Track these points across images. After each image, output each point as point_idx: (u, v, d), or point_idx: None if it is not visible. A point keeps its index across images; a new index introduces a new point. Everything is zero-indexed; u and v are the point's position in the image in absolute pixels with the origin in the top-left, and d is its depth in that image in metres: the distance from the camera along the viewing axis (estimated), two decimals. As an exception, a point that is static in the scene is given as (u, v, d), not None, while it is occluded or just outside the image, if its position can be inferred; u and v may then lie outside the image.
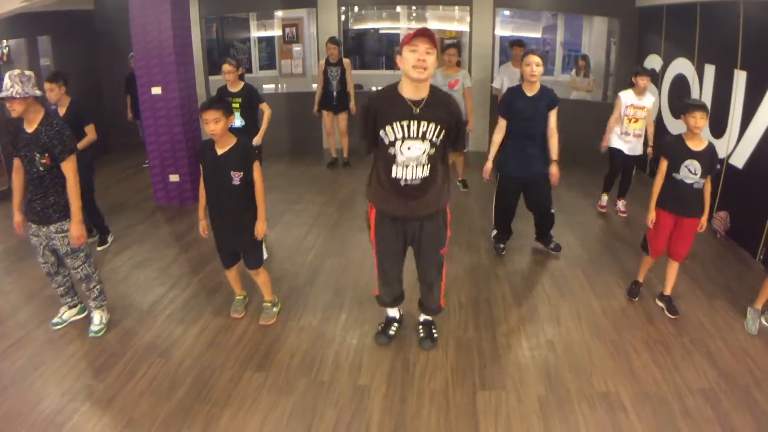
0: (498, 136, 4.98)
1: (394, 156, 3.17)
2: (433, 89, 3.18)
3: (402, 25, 11.08)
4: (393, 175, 3.22)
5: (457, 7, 10.69)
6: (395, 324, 4.01)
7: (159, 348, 3.88)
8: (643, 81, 5.92)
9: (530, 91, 4.82)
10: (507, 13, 10.75)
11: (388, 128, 3.13)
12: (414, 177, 3.21)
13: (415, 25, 11.06)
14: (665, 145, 4.23)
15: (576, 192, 7.27)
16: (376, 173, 3.36)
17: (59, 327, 4.12)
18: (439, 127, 3.13)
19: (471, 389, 3.45)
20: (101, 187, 6.31)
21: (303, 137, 9.38)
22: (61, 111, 5.15)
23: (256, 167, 3.83)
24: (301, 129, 9.18)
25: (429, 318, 3.97)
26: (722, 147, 5.82)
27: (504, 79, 7.59)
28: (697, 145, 3.99)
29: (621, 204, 6.58)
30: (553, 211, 5.22)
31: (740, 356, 3.81)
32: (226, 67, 5.48)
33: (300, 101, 9.03)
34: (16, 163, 3.84)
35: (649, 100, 6.04)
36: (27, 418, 3.19)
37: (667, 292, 4.39)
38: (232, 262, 4.14)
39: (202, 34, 9.13)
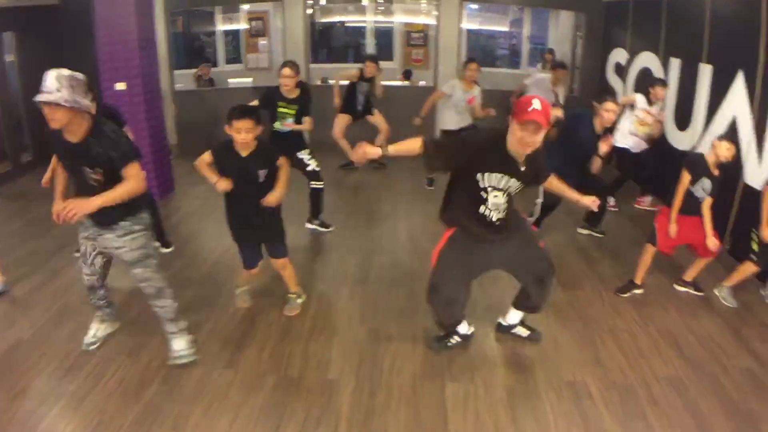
0: None
1: (486, 199, 3.22)
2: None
3: (368, 18, 11.05)
4: (480, 211, 3.26)
5: (424, 1, 10.71)
6: (458, 338, 3.83)
7: (126, 348, 3.81)
8: (661, 92, 5.96)
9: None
10: (474, 6, 10.80)
11: (487, 174, 3.14)
12: (498, 217, 3.28)
13: (382, 19, 11.07)
14: (690, 160, 4.36)
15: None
16: (458, 202, 3.35)
17: (95, 346, 3.81)
18: (521, 184, 3.22)
19: (439, 382, 3.48)
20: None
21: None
22: None
23: (283, 161, 3.87)
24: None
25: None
26: (687, 140, 5.94)
27: (535, 89, 7.34)
28: (715, 169, 4.22)
29: (647, 200, 6.55)
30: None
31: (707, 344, 3.90)
32: (286, 71, 5.14)
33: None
34: (59, 162, 3.38)
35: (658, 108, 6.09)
36: (-2, 420, 3.12)
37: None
38: (256, 261, 4.10)
39: (167, 28, 8.98)
